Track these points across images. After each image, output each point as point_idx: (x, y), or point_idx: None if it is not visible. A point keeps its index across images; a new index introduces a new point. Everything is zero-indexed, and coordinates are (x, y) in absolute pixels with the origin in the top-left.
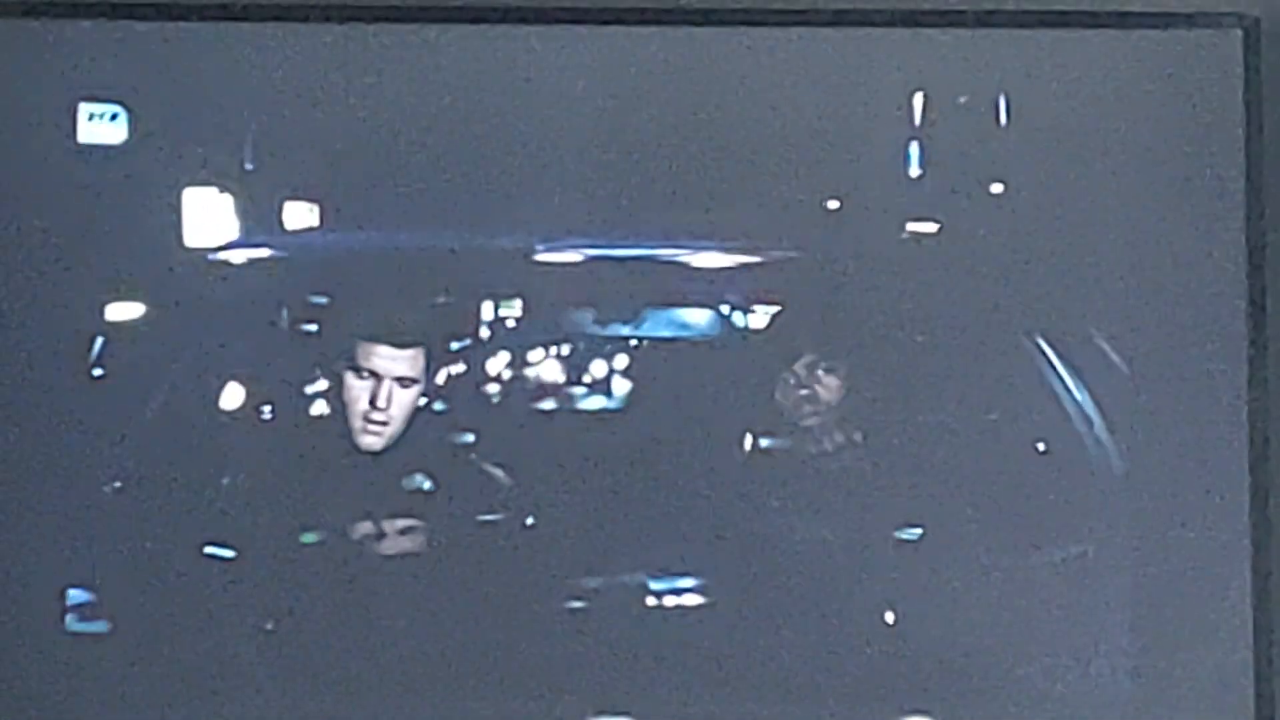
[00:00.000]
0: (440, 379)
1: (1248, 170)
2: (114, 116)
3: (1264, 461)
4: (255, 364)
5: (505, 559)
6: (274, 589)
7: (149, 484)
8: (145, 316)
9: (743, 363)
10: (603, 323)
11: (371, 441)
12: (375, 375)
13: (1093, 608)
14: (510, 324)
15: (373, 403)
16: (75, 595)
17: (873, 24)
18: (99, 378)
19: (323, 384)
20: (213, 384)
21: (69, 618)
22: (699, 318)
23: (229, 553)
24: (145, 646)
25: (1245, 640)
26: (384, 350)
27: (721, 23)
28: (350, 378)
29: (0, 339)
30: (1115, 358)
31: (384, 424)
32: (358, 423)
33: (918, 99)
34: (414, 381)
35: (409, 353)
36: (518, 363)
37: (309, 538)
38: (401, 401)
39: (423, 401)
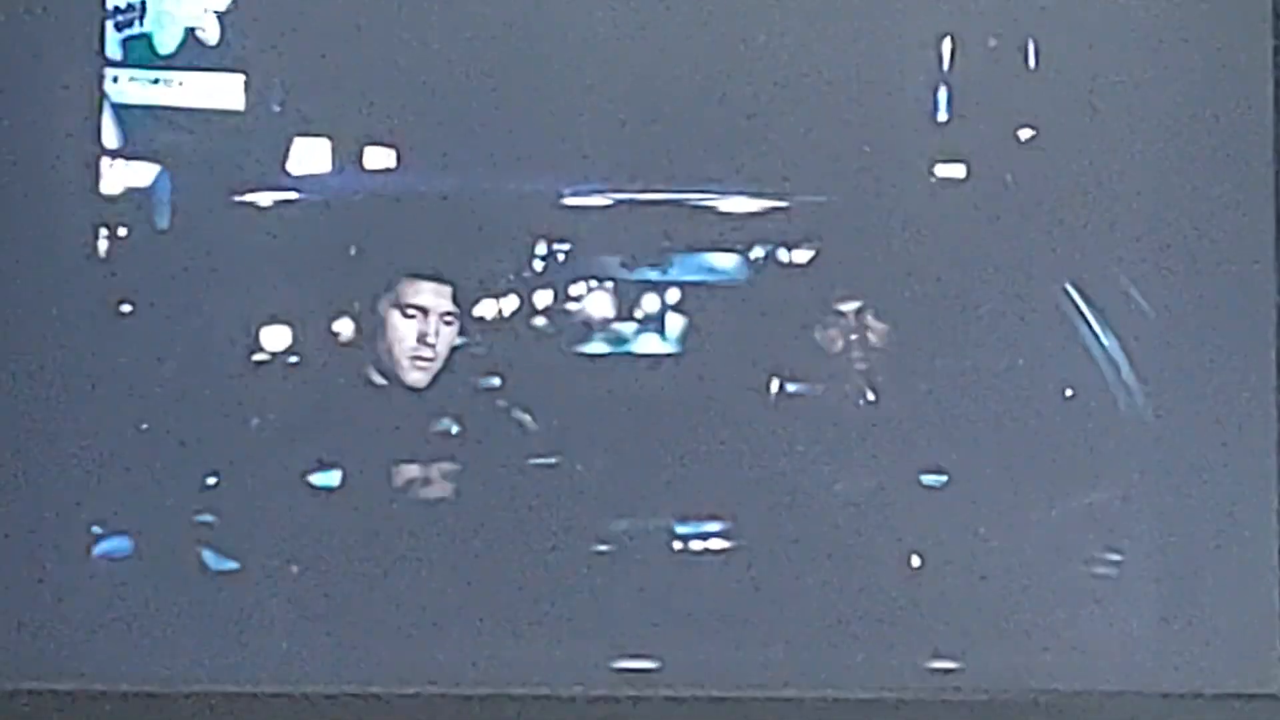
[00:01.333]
0: (470, 321)
1: (1276, 114)
2: None
3: None
4: (291, 305)
5: (532, 503)
6: (300, 531)
7: (176, 424)
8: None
9: (770, 307)
10: (631, 267)
11: (419, 378)
12: (423, 311)
13: (1120, 553)
14: (539, 267)
15: (422, 339)
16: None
17: None
18: (127, 314)
19: (356, 324)
20: (248, 325)
21: (97, 548)
22: (726, 262)
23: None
24: (172, 577)
25: (1271, 589)
26: (429, 286)
27: None
28: (396, 316)
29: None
30: (1143, 303)
31: (430, 360)
32: (405, 360)
33: (946, 43)
34: (456, 317)
35: (450, 288)
36: (546, 307)
37: (332, 479)
38: (446, 337)
39: (457, 342)
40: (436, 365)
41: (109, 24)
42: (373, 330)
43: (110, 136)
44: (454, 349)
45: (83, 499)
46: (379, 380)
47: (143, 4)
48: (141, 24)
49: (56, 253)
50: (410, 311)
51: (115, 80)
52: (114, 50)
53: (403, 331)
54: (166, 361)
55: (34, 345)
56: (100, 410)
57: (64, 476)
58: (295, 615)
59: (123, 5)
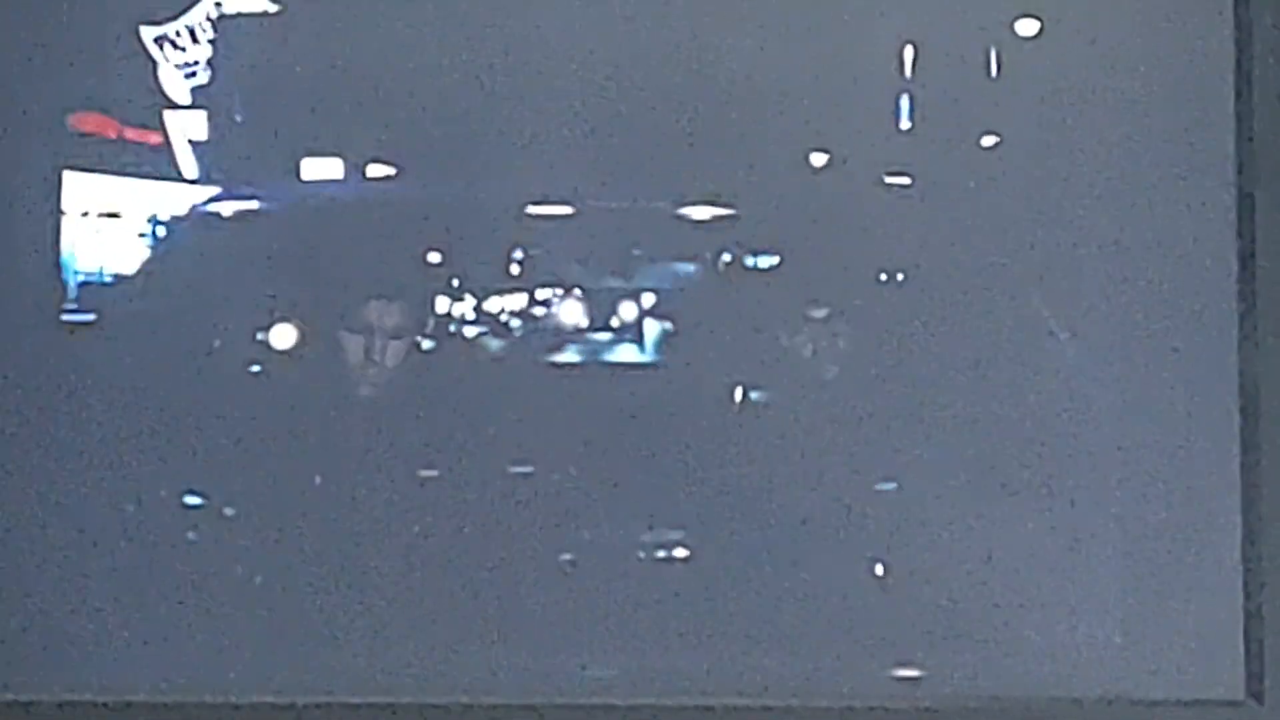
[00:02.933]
0: (431, 332)
1: (1238, 120)
2: None
3: (1254, 414)
4: (245, 318)
5: (496, 513)
6: (264, 541)
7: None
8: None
9: (734, 316)
10: (593, 275)
11: (369, 391)
12: (369, 329)
13: (1083, 561)
14: (502, 277)
15: (368, 355)
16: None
17: None
18: (85, 324)
19: (313, 338)
20: (205, 337)
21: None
22: (690, 270)
23: (200, 500)
24: (131, 592)
25: (1235, 595)
26: (375, 304)
27: None
28: (344, 335)
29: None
30: (1106, 309)
31: (378, 374)
32: (354, 374)
33: (908, 51)
34: (405, 332)
35: (399, 305)
36: (510, 316)
37: (296, 490)
38: (396, 354)
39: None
40: (386, 379)
41: None
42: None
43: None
44: (426, 353)
45: (46, 508)
46: (341, 392)
47: None
48: None
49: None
50: (355, 327)
51: None
52: None
53: (351, 348)
54: (131, 372)
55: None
56: (63, 420)
57: (27, 485)
58: (259, 627)
59: None
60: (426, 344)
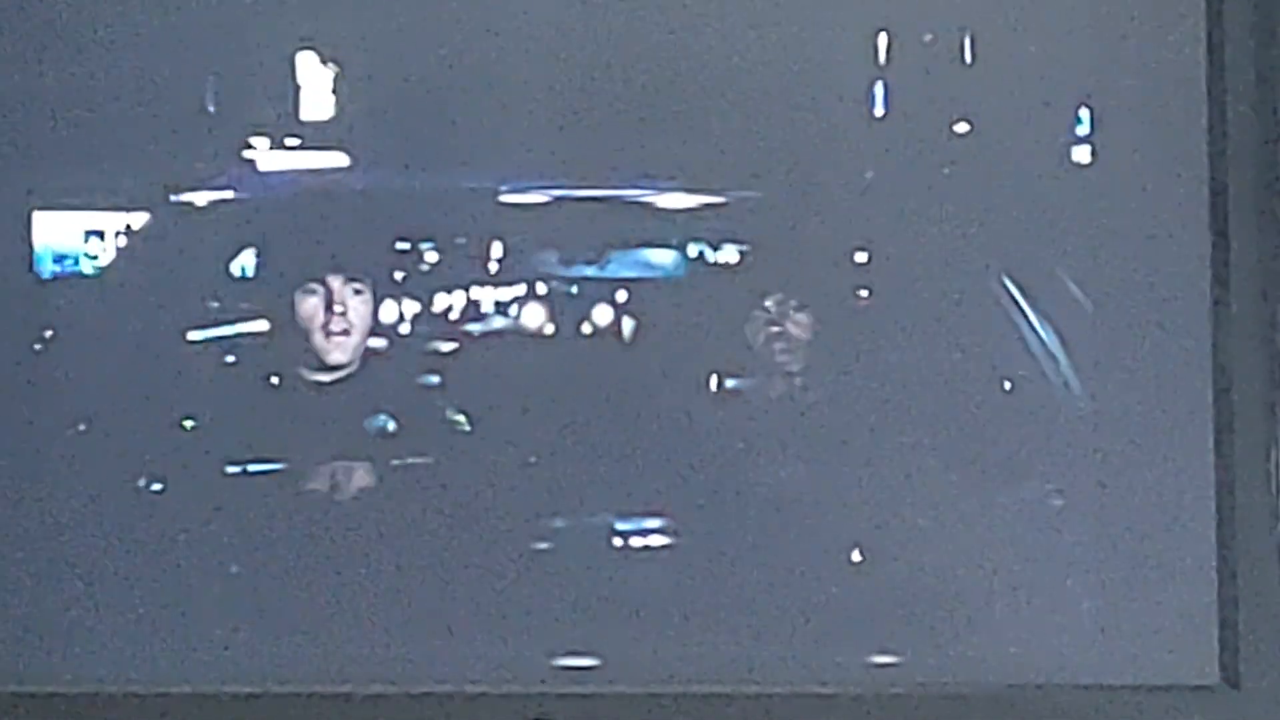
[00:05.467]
0: (404, 318)
1: (1210, 107)
2: None
3: (1228, 401)
4: (210, 304)
5: (470, 499)
6: (236, 529)
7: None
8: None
9: (708, 303)
10: (568, 263)
11: (338, 356)
12: (324, 284)
13: (1058, 547)
14: (475, 264)
15: (329, 308)
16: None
17: None
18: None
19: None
20: (170, 323)
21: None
22: (664, 258)
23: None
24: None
25: (1209, 580)
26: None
27: None
28: (299, 296)
29: None
30: (1080, 296)
31: (345, 332)
32: (319, 338)
33: (882, 38)
34: (364, 289)
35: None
36: (483, 303)
37: (266, 478)
38: (358, 309)
39: (384, 344)
40: (355, 339)
41: None
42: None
43: None
44: (393, 341)
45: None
46: (311, 377)
47: None
48: None
49: None
50: (311, 287)
51: None
52: None
53: (309, 309)
54: (99, 364)
55: None
56: (34, 410)
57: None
58: (227, 615)
59: None
60: (389, 335)
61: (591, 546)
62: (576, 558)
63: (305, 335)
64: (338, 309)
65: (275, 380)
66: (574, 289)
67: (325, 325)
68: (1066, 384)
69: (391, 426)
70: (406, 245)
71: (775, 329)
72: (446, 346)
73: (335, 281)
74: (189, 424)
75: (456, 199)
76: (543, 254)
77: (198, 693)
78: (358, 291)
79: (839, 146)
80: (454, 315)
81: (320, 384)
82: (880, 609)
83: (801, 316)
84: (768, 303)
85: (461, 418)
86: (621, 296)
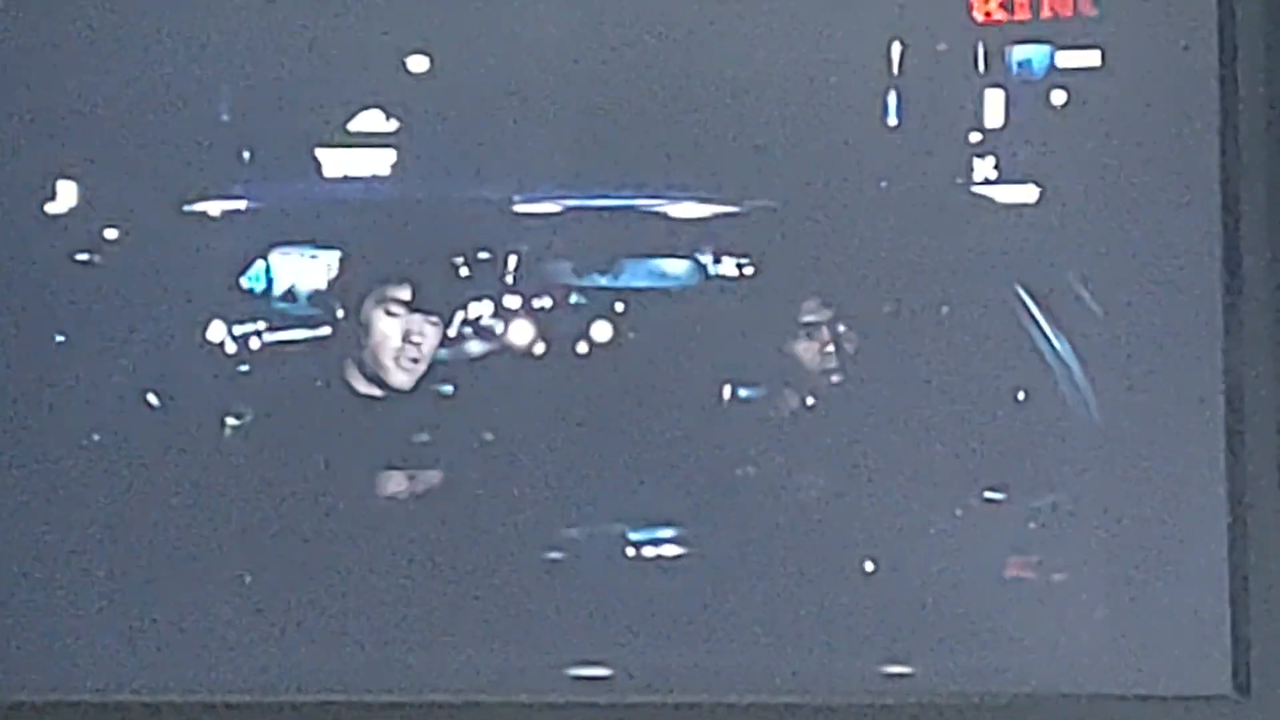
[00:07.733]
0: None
1: (1223, 116)
2: None
3: (1240, 410)
4: (228, 314)
5: (485, 510)
6: (252, 540)
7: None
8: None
9: (722, 313)
10: (581, 273)
11: (404, 379)
12: (406, 310)
13: (1070, 556)
14: (489, 274)
15: (407, 337)
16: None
17: None
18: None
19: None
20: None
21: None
22: (677, 268)
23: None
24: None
25: (1221, 590)
26: (408, 290)
27: None
28: (378, 312)
29: None
30: (1094, 306)
31: (415, 360)
32: (389, 360)
33: (895, 47)
34: (438, 321)
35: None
36: (497, 313)
37: (289, 485)
38: (430, 341)
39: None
40: (421, 367)
41: None
42: (353, 334)
43: None
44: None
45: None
46: (359, 387)
47: None
48: None
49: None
50: (394, 309)
51: None
52: None
53: (387, 329)
54: (131, 369)
55: None
56: (56, 414)
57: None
58: (245, 625)
59: None
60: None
61: (605, 557)
62: (591, 568)
63: (374, 352)
64: (415, 339)
65: (321, 385)
66: (587, 299)
67: (399, 350)
68: (1080, 395)
69: (425, 438)
70: (422, 254)
71: (807, 341)
72: (459, 356)
73: (417, 310)
74: (233, 421)
75: (470, 208)
76: (556, 263)
77: (211, 702)
78: (433, 324)
79: (853, 156)
80: (468, 325)
81: (372, 398)
82: (892, 619)
83: (831, 329)
84: (796, 313)
85: (480, 426)
86: (635, 307)
